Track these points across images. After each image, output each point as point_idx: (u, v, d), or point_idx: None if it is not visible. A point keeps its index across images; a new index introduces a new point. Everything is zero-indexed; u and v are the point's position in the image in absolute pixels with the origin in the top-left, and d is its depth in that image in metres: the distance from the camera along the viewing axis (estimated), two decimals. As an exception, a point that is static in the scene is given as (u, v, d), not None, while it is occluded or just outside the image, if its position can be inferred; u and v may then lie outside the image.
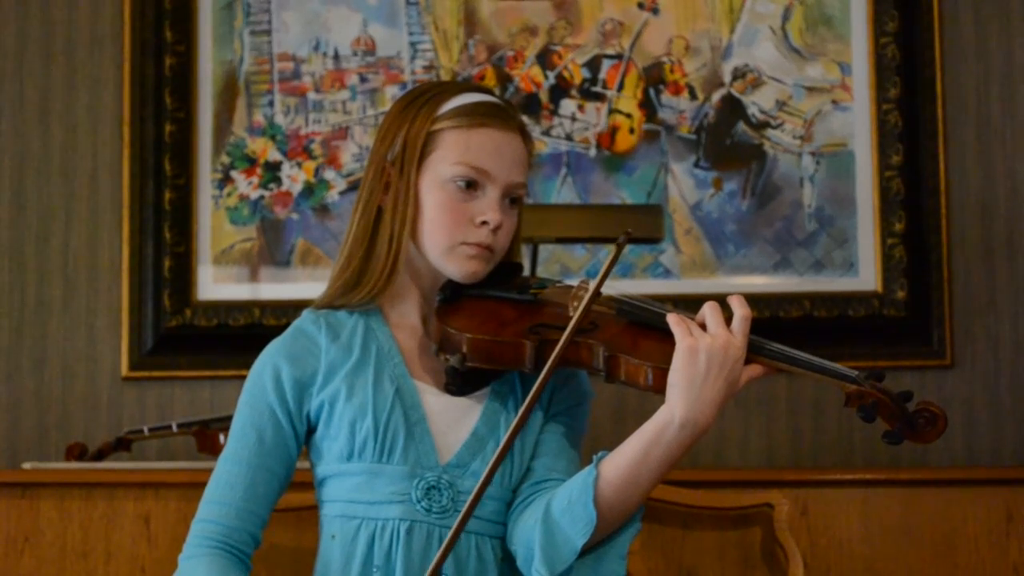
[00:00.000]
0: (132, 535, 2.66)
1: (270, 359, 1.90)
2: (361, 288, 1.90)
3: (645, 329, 1.82)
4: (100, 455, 3.03)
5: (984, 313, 3.33)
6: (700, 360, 1.72)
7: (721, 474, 2.96)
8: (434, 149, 1.87)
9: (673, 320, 1.75)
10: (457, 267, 1.87)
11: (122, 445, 3.06)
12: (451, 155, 1.86)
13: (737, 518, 2.61)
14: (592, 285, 1.82)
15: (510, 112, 1.92)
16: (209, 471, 2.81)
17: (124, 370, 3.33)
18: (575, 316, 1.77)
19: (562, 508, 1.77)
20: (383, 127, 1.93)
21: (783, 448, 3.29)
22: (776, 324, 3.28)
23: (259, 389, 1.89)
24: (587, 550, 1.78)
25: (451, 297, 1.89)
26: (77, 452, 3.06)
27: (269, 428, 1.88)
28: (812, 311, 3.30)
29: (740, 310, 1.76)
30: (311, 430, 1.90)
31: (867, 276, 3.35)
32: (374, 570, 1.82)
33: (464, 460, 1.84)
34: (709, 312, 1.76)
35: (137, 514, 2.66)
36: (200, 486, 2.70)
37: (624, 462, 1.76)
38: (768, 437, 3.30)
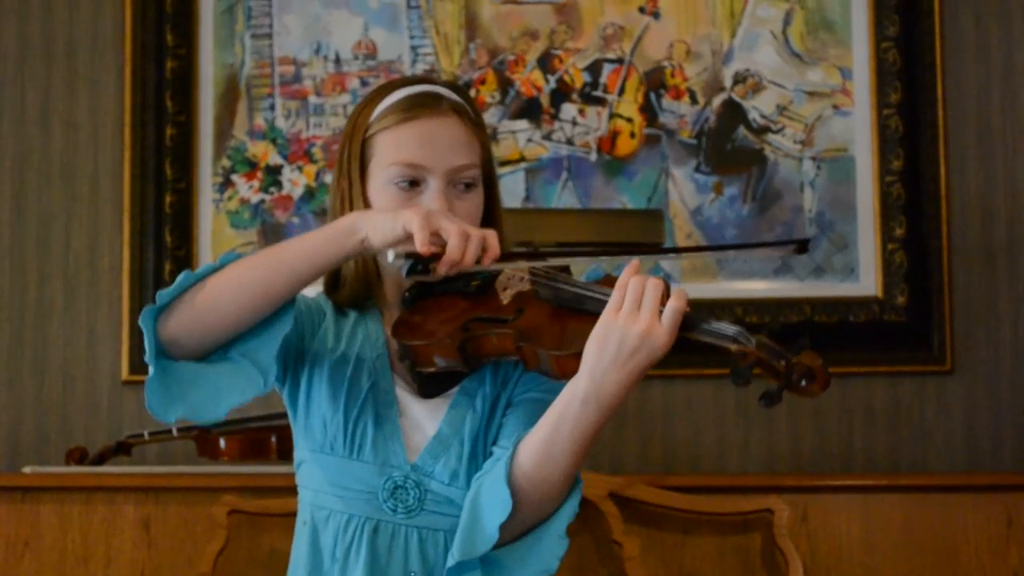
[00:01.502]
0: (132, 539, 2.66)
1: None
2: (350, 300, 1.90)
3: (562, 310, 1.74)
4: (100, 459, 3.03)
5: (984, 318, 3.33)
6: (612, 340, 1.63)
7: (721, 480, 2.96)
8: (372, 155, 1.87)
9: (620, 283, 1.66)
10: None
11: (122, 449, 3.06)
12: (385, 157, 1.85)
13: (737, 524, 2.61)
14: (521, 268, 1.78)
15: (441, 96, 1.87)
16: (210, 475, 2.81)
17: (124, 374, 3.33)
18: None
19: (485, 489, 1.74)
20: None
21: (783, 454, 3.29)
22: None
23: None
24: (526, 532, 1.74)
25: (412, 299, 1.86)
26: (77, 456, 3.06)
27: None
28: (812, 316, 3.30)
29: (674, 302, 1.66)
30: (296, 385, 1.87)
31: (868, 281, 3.35)
32: (334, 562, 1.82)
33: (427, 461, 1.82)
34: (648, 290, 1.66)
35: (137, 518, 2.66)
36: (201, 491, 2.71)
37: (536, 440, 1.70)
38: (768, 443, 3.29)
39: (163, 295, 1.75)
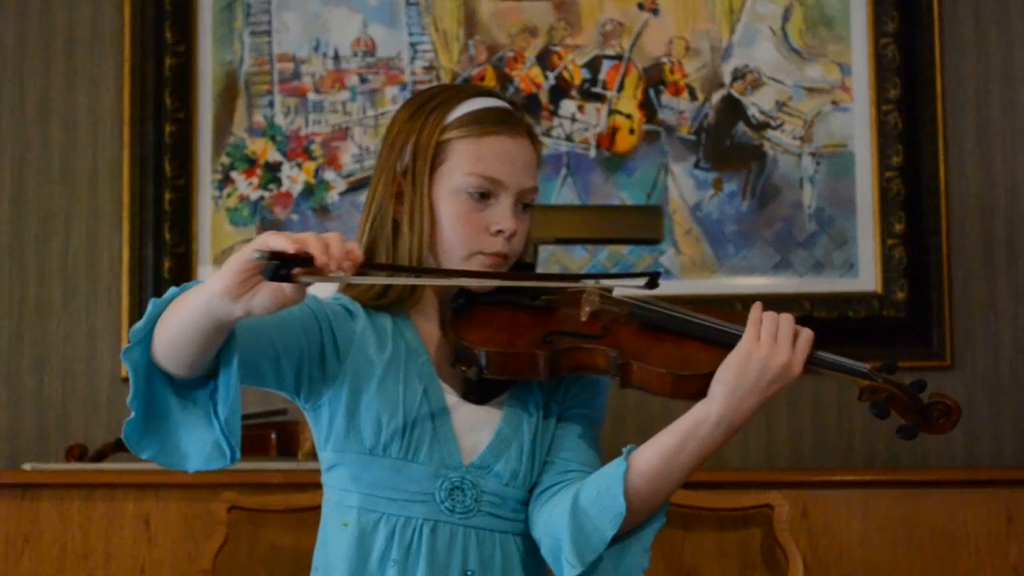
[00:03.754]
0: (132, 536, 2.66)
1: (318, 303, 1.85)
2: (387, 298, 1.90)
3: (659, 332, 1.83)
4: (100, 456, 3.03)
5: (984, 314, 3.33)
6: (752, 369, 1.74)
7: (721, 475, 2.96)
8: (445, 159, 1.87)
9: (754, 317, 1.77)
10: None
11: (122, 446, 3.05)
12: (463, 165, 1.86)
13: (737, 519, 2.62)
14: (600, 291, 1.85)
15: (518, 115, 1.92)
16: (209, 472, 2.80)
17: (124, 371, 3.33)
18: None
19: (591, 499, 1.78)
20: (390, 135, 1.92)
21: (783, 449, 3.29)
22: (776, 325, 3.28)
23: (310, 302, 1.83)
24: (611, 542, 1.79)
25: (464, 306, 1.89)
26: (77, 453, 3.06)
27: (300, 313, 1.80)
28: (812, 312, 3.30)
29: (808, 337, 1.78)
30: (314, 393, 1.86)
31: (867, 277, 3.35)
32: (391, 564, 1.82)
33: (487, 461, 1.85)
34: (784, 325, 1.78)
35: (137, 515, 2.66)
36: (200, 487, 2.71)
37: (656, 455, 1.78)
38: (768, 438, 3.30)
39: (136, 331, 1.76)
